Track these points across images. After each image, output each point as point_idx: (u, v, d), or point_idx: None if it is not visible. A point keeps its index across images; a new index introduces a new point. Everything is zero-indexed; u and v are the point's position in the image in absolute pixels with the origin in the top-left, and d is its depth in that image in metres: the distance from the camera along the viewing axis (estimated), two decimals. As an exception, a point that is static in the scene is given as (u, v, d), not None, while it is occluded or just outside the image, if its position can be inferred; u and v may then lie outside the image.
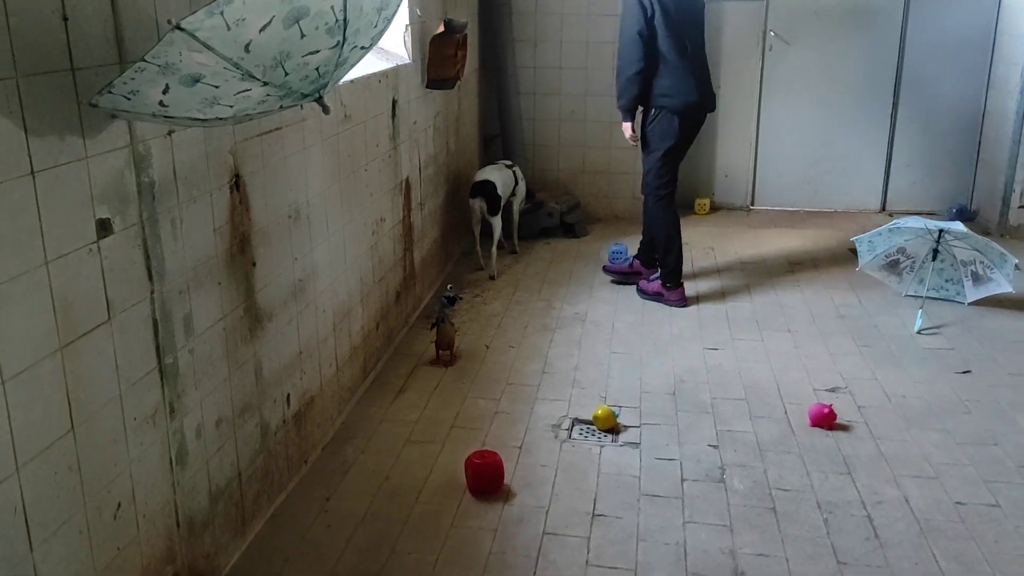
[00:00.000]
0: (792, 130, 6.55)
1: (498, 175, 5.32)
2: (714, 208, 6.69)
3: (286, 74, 1.74)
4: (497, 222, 5.19)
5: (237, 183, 2.55)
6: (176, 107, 1.70)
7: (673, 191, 4.77)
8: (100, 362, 1.94)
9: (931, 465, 3.17)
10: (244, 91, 1.73)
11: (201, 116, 1.77)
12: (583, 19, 6.11)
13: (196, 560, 2.40)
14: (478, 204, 5.15)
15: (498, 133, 6.27)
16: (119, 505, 2.03)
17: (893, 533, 2.78)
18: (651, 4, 4.42)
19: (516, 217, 5.67)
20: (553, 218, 5.95)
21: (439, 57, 4.64)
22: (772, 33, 6.37)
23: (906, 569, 2.61)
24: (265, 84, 1.73)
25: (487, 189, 5.16)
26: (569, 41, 6.17)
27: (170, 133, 2.17)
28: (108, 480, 1.99)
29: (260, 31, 1.61)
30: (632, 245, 5.34)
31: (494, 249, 5.23)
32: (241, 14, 1.55)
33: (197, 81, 1.64)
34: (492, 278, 5.21)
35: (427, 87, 4.68)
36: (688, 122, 4.64)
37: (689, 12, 4.56)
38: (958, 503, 2.94)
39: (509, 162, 5.68)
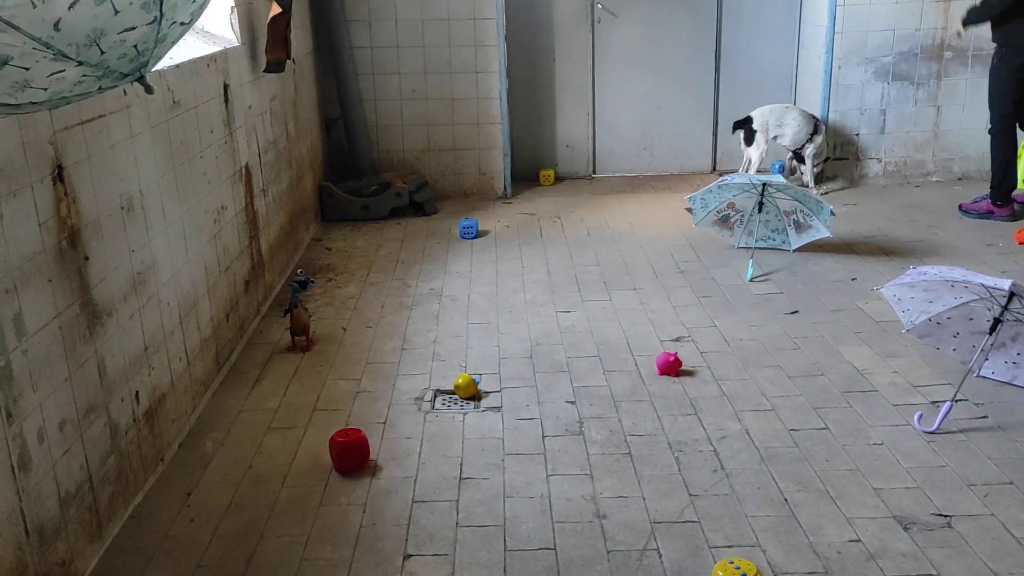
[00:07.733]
0: (625, 99, 6.80)
1: (769, 116, 6.06)
2: (559, 178, 6.88)
3: (102, 52, 1.68)
4: (750, 152, 6.09)
5: (60, 174, 2.43)
6: (-17, 92, 1.61)
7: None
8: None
9: (767, 399, 3.43)
10: (58, 72, 1.66)
11: (13, 101, 1.68)
12: (416, -3, 6.11)
13: (50, 569, 2.30)
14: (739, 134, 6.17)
15: (339, 116, 6.20)
16: (-42, 518, 1.93)
17: (737, 463, 3.00)
18: None
19: (808, 162, 6.20)
20: (402, 198, 5.95)
21: (275, 39, 4.54)
22: (600, 6, 6.58)
23: (749, 494, 2.83)
24: (80, 64, 1.67)
25: (743, 123, 6.14)
26: (404, 20, 6.15)
27: (-20, 124, 2.05)
28: (-57, 493, 1.88)
29: (69, 8, 1.55)
30: (481, 219, 5.40)
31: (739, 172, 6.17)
32: (47, -10, 1.49)
33: (5, 63, 1.56)
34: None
35: (265, 71, 4.57)
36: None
37: None
38: (792, 430, 3.20)
39: (813, 115, 6.18)
